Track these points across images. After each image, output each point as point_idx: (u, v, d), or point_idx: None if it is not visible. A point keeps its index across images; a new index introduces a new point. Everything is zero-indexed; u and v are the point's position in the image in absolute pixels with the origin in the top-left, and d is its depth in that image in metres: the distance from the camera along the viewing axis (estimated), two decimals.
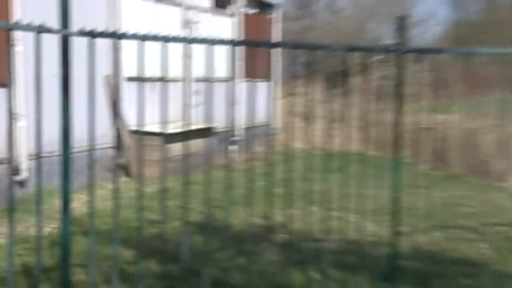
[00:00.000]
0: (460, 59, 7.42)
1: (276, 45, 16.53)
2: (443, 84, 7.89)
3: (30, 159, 11.19)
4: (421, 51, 7.36)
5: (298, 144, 6.88)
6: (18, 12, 11.26)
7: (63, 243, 5.55)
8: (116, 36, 5.93)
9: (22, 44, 10.62)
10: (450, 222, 7.46)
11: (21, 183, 11.66)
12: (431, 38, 55.79)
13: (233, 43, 6.34)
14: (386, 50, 7.30)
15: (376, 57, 7.38)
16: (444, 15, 64.27)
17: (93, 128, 5.36)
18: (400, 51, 6.90)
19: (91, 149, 5.43)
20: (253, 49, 16.61)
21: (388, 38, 7.12)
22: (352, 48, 7.21)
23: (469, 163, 8.23)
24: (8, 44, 10.42)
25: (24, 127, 10.59)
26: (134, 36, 5.78)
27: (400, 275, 6.93)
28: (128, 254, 7.12)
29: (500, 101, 8.04)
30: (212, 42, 6.10)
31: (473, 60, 7.59)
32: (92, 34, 5.35)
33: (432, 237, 7.54)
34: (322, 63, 6.87)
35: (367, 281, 6.77)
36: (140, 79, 5.90)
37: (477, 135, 7.73)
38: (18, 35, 10.71)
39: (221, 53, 6.28)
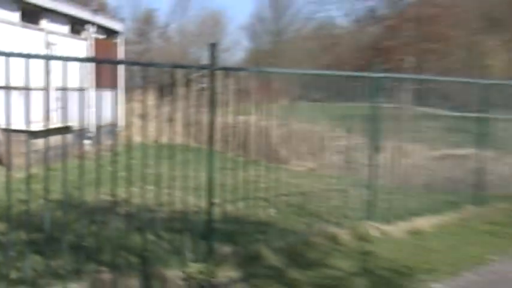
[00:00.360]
0: (256, 76, 7.91)
1: (117, 62, 16.65)
2: (245, 93, 8.34)
3: None
4: (227, 69, 7.72)
5: (137, 139, 7.06)
6: None
7: None
8: None
9: None
10: (250, 194, 7.76)
11: None
12: (236, 60, 57.16)
13: (82, 60, 6.57)
14: (202, 67, 7.66)
15: (196, 74, 7.72)
16: (246, 44, 65.90)
17: None
18: (212, 68, 7.33)
19: None
20: (102, 65, 16.61)
21: (204, 59, 7.44)
22: (177, 66, 7.53)
23: (263, 151, 8.69)
24: None
25: None
26: (2, 53, 5.94)
27: (214, 235, 7.22)
28: (0, 226, 7.16)
29: (285, 107, 8.57)
30: (66, 59, 6.34)
31: (266, 76, 8.12)
32: None
33: (237, 206, 7.96)
34: (154, 77, 7.13)
35: (190, 240, 7.00)
36: (8, 87, 6.04)
37: (269, 131, 8.22)
38: None
39: (76, 68, 6.50)
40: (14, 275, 6.04)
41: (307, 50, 55.58)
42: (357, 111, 10.33)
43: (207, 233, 7.23)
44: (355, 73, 10.42)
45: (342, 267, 7.46)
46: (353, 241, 8.53)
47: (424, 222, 9.66)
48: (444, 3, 31.48)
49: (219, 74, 7.47)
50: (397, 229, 9.16)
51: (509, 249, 8.72)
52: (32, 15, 17.56)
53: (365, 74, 9.59)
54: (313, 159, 9.42)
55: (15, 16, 16.69)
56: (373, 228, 8.95)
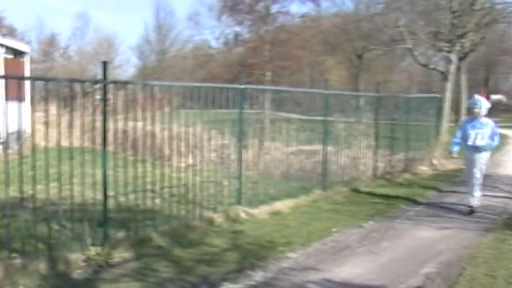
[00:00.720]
0: (143, 88, 7.87)
1: (23, 78, 16.01)
2: (134, 103, 8.27)
3: None
4: (117, 83, 7.57)
5: (41, 143, 6.87)
6: None
7: None
8: None
9: None
10: (139, 187, 7.79)
11: None
12: (128, 76, 56.58)
13: None
14: (95, 81, 7.56)
15: (95, 87, 7.58)
16: (135, 62, 65.37)
17: None
18: (104, 82, 7.19)
19: None
20: (10, 80, 15.98)
21: (99, 75, 7.32)
22: (73, 80, 7.36)
23: (149, 151, 8.66)
24: None
25: None
26: None
27: (109, 222, 7.09)
28: None
29: (167, 114, 8.56)
30: None
31: (151, 89, 8.06)
32: None
33: (129, 198, 7.88)
34: (56, 90, 6.96)
35: (89, 228, 6.84)
36: None
37: (154, 134, 8.19)
38: None
39: None
40: None
41: (186, 67, 55.62)
42: (227, 117, 10.46)
43: (103, 221, 7.12)
44: (225, 85, 10.54)
45: (217, 244, 7.54)
46: (226, 223, 8.64)
47: (282, 205, 9.90)
48: (294, 30, 32.33)
49: (112, 87, 7.38)
50: (261, 211, 9.34)
51: (346, 222, 9.09)
52: None
53: (233, 85, 9.73)
54: (192, 156, 9.44)
55: None
56: (242, 212, 9.08)
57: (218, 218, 8.68)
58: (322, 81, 13.90)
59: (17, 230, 6.51)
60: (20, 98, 6.36)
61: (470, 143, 10.01)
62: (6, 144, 6.43)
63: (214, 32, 54.46)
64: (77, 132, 8.11)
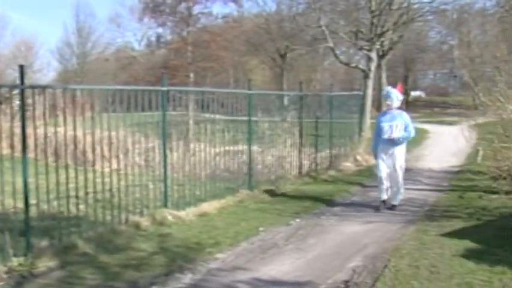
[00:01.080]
0: (63, 92, 7.71)
1: None
2: (55, 108, 8.08)
3: None
4: (34, 87, 7.46)
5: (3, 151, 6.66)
6: None
7: None
8: None
9: None
10: (63, 194, 7.64)
11: None
12: (49, 80, 55.11)
13: None
14: (12, 86, 7.34)
15: (14, 92, 7.28)
16: (56, 66, 63.69)
17: None
18: (21, 87, 7.01)
19: None
20: None
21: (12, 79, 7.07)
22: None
23: (72, 156, 8.45)
24: None
25: None
26: None
27: (31, 231, 6.92)
28: None
29: (90, 118, 8.42)
30: None
31: (71, 92, 7.92)
32: None
33: (52, 205, 7.68)
34: None
35: (11, 238, 6.64)
36: None
37: (76, 139, 8.00)
38: None
39: None
40: None
41: (108, 70, 54.73)
42: (151, 119, 10.39)
43: (25, 230, 6.92)
44: (147, 87, 10.47)
45: (144, 248, 7.50)
46: (152, 226, 8.59)
47: (209, 206, 9.93)
48: (216, 31, 32.38)
49: (31, 92, 7.20)
50: (188, 213, 9.35)
51: (273, 221, 9.21)
52: None
53: (155, 88, 9.68)
54: (117, 160, 9.30)
55: None
56: (169, 214, 9.06)
57: (145, 221, 8.61)
58: (246, 81, 13.99)
59: None
60: None
61: (385, 136, 9.83)
62: None
63: (136, 34, 53.64)
64: None
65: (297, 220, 9.32)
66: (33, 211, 7.08)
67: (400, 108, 10.17)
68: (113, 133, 8.59)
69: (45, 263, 6.64)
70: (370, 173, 14.27)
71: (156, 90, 9.49)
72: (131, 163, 10.31)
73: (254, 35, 44.75)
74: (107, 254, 7.18)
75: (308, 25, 27.83)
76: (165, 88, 9.39)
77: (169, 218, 8.98)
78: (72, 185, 7.59)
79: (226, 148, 12.10)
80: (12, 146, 6.98)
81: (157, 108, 9.41)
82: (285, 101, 15.29)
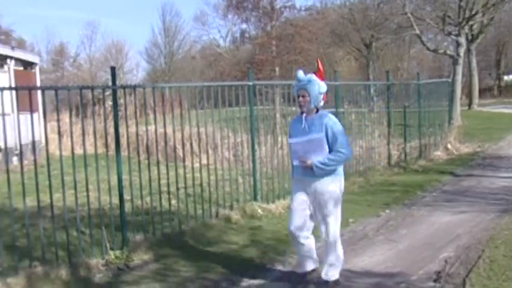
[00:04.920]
0: (153, 91, 7.88)
1: (33, 88, 16.08)
2: (146, 107, 8.31)
3: None
4: (125, 87, 7.69)
5: (56, 152, 6.90)
6: None
7: None
8: None
9: None
10: (155, 189, 7.84)
11: None
12: (138, 80, 56.74)
13: (1, 89, 6.37)
14: (104, 87, 7.58)
15: (106, 93, 7.58)
16: (145, 66, 65.59)
17: None
18: (113, 87, 7.25)
19: None
20: (22, 92, 16.19)
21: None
22: (83, 87, 7.38)
23: (164, 153, 8.66)
24: None
25: None
26: None
27: (127, 226, 7.16)
28: None
29: (179, 115, 8.57)
30: None
31: (161, 91, 8.12)
32: None
33: (145, 201, 7.91)
34: (68, 98, 7.00)
35: (108, 232, 6.91)
36: None
37: (167, 136, 8.19)
38: None
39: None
40: None
41: (195, 67, 55.75)
42: (239, 114, 10.47)
43: (121, 225, 7.17)
44: (234, 83, 10.56)
45: (236, 241, 7.56)
46: (243, 219, 8.65)
47: None
48: (300, 24, 32.19)
49: (122, 92, 7.42)
50: (277, 206, 9.33)
51: (363, 212, 9.07)
52: None
53: (242, 83, 9.74)
54: (206, 156, 9.45)
55: None
56: (258, 208, 9.09)
57: (235, 215, 8.69)
58: (332, 73, 13.86)
59: (37, 239, 6.59)
60: (31, 109, 6.41)
61: (295, 160, 5.65)
62: (21, 156, 6.48)
63: (221, 31, 54.29)
64: (90, 139, 8.16)
65: (387, 211, 9.15)
66: (127, 207, 7.28)
67: (322, 108, 5.70)
68: (202, 129, 8.71)
69: (140, 256, 6.84)
70: (462, 162, 13.82)
71: (242, 85, 9.56)
72: (220, 158, 10.44)
73: (338, 26, 44.28)
74: (200, 247, 7.30)
75: (393, 13, 27.26)
76: (251, 82, 9.43)
77: (259, 211, 9.02)
78: (164, 181, 7.76)
79: None
80: (106, 145, 7.21)
81: (244, 103, 9.46)
82: (372, 91, 15.02)
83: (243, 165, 10.26)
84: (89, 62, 62.02)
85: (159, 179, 7.65)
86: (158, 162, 7.68)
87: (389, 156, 13.76)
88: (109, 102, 7.95)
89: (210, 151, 9.67)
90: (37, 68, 23.07)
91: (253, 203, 9.21)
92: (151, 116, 8.46)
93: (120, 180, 7.12)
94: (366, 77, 42.43)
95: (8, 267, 6.09)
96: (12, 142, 16.41)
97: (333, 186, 5.59)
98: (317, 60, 5.69)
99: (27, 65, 22.14)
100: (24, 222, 6.54)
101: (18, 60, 20.80)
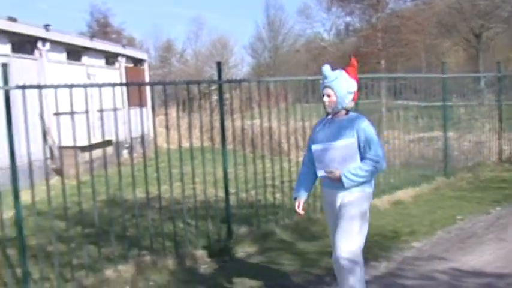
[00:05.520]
0: (258, 85, 7.88)
1: (142, 84, 16.63)
2: (250, 101, 8.34)
3: None
4: (231, 81, 7.70)
5: (164, 145, 7.04)
6: None
7: (18, 221, 5.69)
8: (39, 87, 6.10)
9: None
10: (260, 183, 7.84)
11: None
12: (243, 75, 57.31)
13: (115, 85, 6.58)
14: (210, 82, 7.68)
15: (212, 88, 7.72)
16: (249, 61, 66.17)
17: (29, 147, 5.55)
18: (219, 82, 7.32)
19: (30, 161, 5.62)
20: (132, 88, 16.91)
21: (215, 75, 7.44)
22: (190, 82, 7.54)
23: (268, 147, 8.67)
24: None
25: None
26: (51, 86, 5.97)
27: (232, 218, 7.23)
28: (61, 224, 7.18)
29: (284, 109, 8.52)
30: (101, 85, 6.36)
31: (265, 85, 8.13)
32: (23, 87, 5.55)
33: (249, 194, 7.97)
34: (175, 93, 7.13)
35: (213, 224, 7.07)
36: (58, 113, 6.09)
37: (271, 130, 8.19)
38: None
39: (112, 92, 6.54)
40: (75, 262, 6.13)
41: (299, 61, 55.51)
42: None
43: (226, 217, 7.25)
44: None
45: None
46: None
47: (403, 194, 9.63)
48: (406, 15, 31.22)
49: (227, 86, 7.49)
50: (383, 201, 9.13)
51: (471, 209, 8.67)
52: (75, 54, 17.66)
53: None
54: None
55: (63, 56, 16.79)
56: None
57: None
58: (439, 65, 13.33)
59: (146, 229, 6.77)
60: (141, 104, 6.56)
61: (318, 170, 4.69)
62: (131, 149, 6.68)
63: (325, 24, 53.65)
64: (196, 132, 8.29)
65: (497, 208, 8.69)
66: (232, 199, 7.34)
67: (355, 109, 5.06)
68: (307, 123, 8.63)
69: (244, 249, 6.88)
70: None
71: None
72: None
73: (446, 16, 42.53)
74: (304, 241, 7.25)
75: (505, 0, 25.78)
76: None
77: None
78: (268, 175, 7.76)
79: (420, 135, 11.64)
80: (212, 138, 7.30)
81: None
82: (482, 84, 14.30)
83: None
84: (195, 58, 63.45)
85: (263, 172, 7.65)
86: (263, 156, 7.68)
87: (500, 152, 13.06)
88: (214, 97, 8.07)
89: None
90: (146, 65, 23.94)
91: None
92: (256, 110, 8.45)
93: (225, 173, 7.20)
94: (476, 69, 40.59)
95: (118, 255, 6.30)
96: (122, 136, 17.15)
97: (363, 198, 4.63)
98: (350, 56, 4.84)
99: (137, 61, 23.04)
100: (133, 213, 6.75)
101: (128, 58, 21.68)
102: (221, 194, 7.36)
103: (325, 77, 4.65)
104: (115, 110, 6.37)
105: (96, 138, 8.91)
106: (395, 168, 10.38)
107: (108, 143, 6.33)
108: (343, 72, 4.63)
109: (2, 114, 5.42)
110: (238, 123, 7.71)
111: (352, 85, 4.60)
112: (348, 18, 36.43)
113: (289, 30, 63.17)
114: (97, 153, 10.57)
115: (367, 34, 31.19)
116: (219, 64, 7.31)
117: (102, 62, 19.65)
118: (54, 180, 12.13)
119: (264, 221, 7.65)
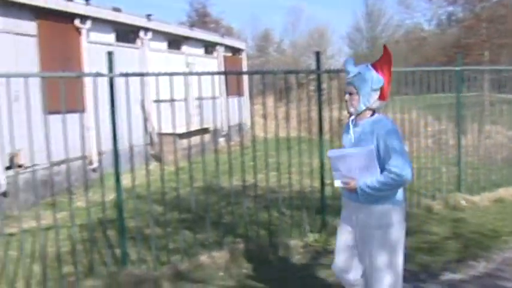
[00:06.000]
0: None
1: (240, 73, 16.77)
2: (344, 92, 8.19)
3: (98, 155, 11.47)
4: (330, 72, 7.57)
5: (260, 134, 7.05)
6: (87, 65, 11.61)
7: (119, 204, 5.86)
8: (141, 74, 6.24)
9: (90, 84, 10.91)
10: None
11: (94, 170, 11.94)
12: (340, 65, 56.37)
13: (213, 73, 6.62)
14: (309, 72, 7.59)
15: (309, 78, 7.60)
16: (346, 51, 65.03)
17: (131, 133, 5.68)
18: (317, 72, 7.23)
19: (131, 146, 5.76)
20: (230, 76, 17.14)
21: (313, 66, 7.34)
22: (288, 72, 7.50)
23: None
24: (82, 85, 10.74)
25: (93, 135, 10.83)
26: (152, 74, 6.09)
27: (327, 209, 7.14)
28: (158, 209, 7.36)
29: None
30: (200, 74, 6.42)
31: None
32: (126, 75, 5.68)
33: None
34: (272, 83, 7.11)
35: (307, 215, 7.00)
36: (159, 101, 6.20)
37: None
38: (86, 80, 11.00)
39: (210, 81, 6.61)
40: (171, 246, 6.23)
41: (398, 52, 54.09)
42: (443, 101, 9.93)
43: (320, 208, 7.15)
44: (440, 67, 10.01)
45: (436, 232, 7.20)
46: (445, 210, 8.22)
47: (505, 192, 9.18)
48: None
49: (325, 76, 7.38)
50: (483, 199, 8.76)
51: None
52: (175, 43, 18.04)
53: (448, 68, 9.23)
54: (407, 143, 9.10)
55: (164, 45, 17.19)
56: (462, 199, 8.58)
57: (437, 205, 8.29)
58: None
59: (241, 217, 6.81)
60: (239, 93, 6.56)
61: (336, 181, 4.02)
62: (228, 137, 6.71)
63: (426, 15, 52.12)
64: (293, 122, 8.23)
65: None
66: (328, 190, 7.22)
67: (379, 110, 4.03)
68: (405, 115, 8.38)
69: None
70: None
71: (449, 70, 9.03)
72: (423, 146, 10.00)
73: None
74: None
75: None
76: (458, 68, 8.86)
77: (463, 202, 8.50)
78: None
79: None
80: (309, 129, 7.22)
81: (450, 90, 8.94)
82: None
83: (446, 154, 9.73)
84: (292, 47, 63.36)
85: None
86: None
87: None
88: (310, 87, 7.97)
89: (412, 138, 9.27)
90: (244, 54, 24.14)
91: (456, 194, 8.70)
92: None
93: (321, 164, 7.11)
94: None
95: (213, 241, 6.38)
96: (219, 124, 17.38)
97: (386, 219, 3.82)
98: (384, 47, 3.93)
99: (235, 51, 23.28)
100: (229, 200, 6.80)
101: (227, 47, 21.94)
102: (316, 184, 7.26)
103: (347, 73, 4.00)
104: (214, 98, 6.42)
105: (194, 126, 9.06)
106: (498, 164, 9.91)
107: (205, 130, 6.38)
108: (369, 66, 3.95)
109: (105, 101, 5.58)
110: (335, 113, 7.55)
111: (377, 81, 3.86)
112: (451, 8, 35.12)
113: (388, 21, 61.75)
114: (194, 140, 10.77)
115: (470, 24, 29.94)
116: (317, 54, 7.20)
117: (201, 51, 19.99)
118: (153, 165, 12.47)
119: None
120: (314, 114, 7.31)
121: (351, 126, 3.98)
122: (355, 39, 64.22)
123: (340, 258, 4.12)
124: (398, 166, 3.61)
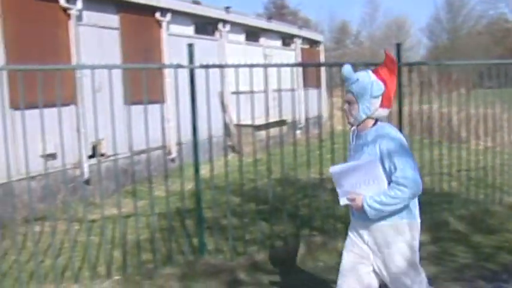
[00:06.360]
0: (436, 69, 7.52)
1: (318, 64, 16.69)
2: (427, 85, 7.99)
3: (177, 145, 11.70)
4: (410, 64, 7.41)
5: (338, 127, 6.97)
6: (166, 57, 11.84)
7: (197, 194, 5.94)
8: (221, 66, 6.29)
9: (169, 76, 11.12)
10: (435, 170, 7.51)
11: (172, 160, 12.20)
12: (419, 58, 55.29)
13: (292, 65, 6.60)
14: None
15: None
16: (426, 43, 63.52)
17: (210, 124, 5.73)
18: (397, 64, 7.07)
19: (210, 137, 5.82)
20: (308, 69, 17.04)
21: None
22: (367, 64, 7.38)
23: (445, 133, 8.28)
24: (162, 77, 10.99)
25: (172, 126, 11.06)
26: (232, 65, 6.13)
27: None
28: (236, 199, 7.41)
29: (463, 94, 8.10)
30: (279, 65, 6.41)
31: (444, 68, 7.70)
32: (206, 66, 5.74)
33: (424, 181, 7.65)
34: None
35: None
36: (237, 92, 6.22)
37: (449, 115, 7.79)
38: (166, 71, 11.22)
39: (288, 73, 6.59)
40: (248, 236, 6.30)
41: (480, 44, 52.36)
42: None
43: None
44: None
45: None
46: None
47: None
48: None
49: (404, 69, 7.21)
50: None
51: None
52: (253, 35, 18.12)
53: None
54: (489, 138, 8.78)
55: (242, 37, 17.30)
56: None
57: None
58: None
59: (317, 210, 6.76)
60: (317, 85, 6.51)
61: (342, 200, 3.65)
62: (306, 129, 6.68)
63: (510, 5, 50.06)
64: None
65: None
66: None
67: (382, 118, 3.71)
68: (488, 110, 8.08)
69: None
70: None
71: None
72: (506, 141, 9.63)
73: None
74: (479, 233, 6.85)
75: None
76: None
77: None
78: (445, 162, 7.39)
79: None
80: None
81: None
82: None
83: None
84: (370, 40, 62.51)
85: (440, 159, 7.31)
86: (440, 142, 7.33)
87: None
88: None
89: (496, 133, 8.93)
90: (321, 46, 23.98)
91: None
92: (433, 95, 8.07)
93: None
94: None
95: (290, 233, 6.38)
96: (297, 116, 17.34)
97: (399, 237, 3.56)
98: (385, 52, 3.70)
99: (313, 43, 23.16)
100: (306, 193, 6.77)
101: (304, 39, 21.85)
102: None
103: (345, 80, 3.67)
104: (292, 90, 6.40)
105: (272, 118, 9.07)
106: None
107: (282, 122, 6.37)
108: (369, 72, 3.64)
109: (184, 92, 5.66)
110: (415, 107, 7.39)
111: (377, 88, 3.55)
112: None
113: (469, 11, 59.84)
114: (272, 132, 10.79)
115: None
116: (398, 46, 7.04)
117: (279, 43, 20.00)
118: (230, 156, 12.60)
119: (438, 210, 7.31)
120: (393, 108, 7.15)
121: (353, 137, 3.73)
122: (434, 30, 62.66)
123: (343, 281, 3.71)
124: (405, 177, 3.36)
